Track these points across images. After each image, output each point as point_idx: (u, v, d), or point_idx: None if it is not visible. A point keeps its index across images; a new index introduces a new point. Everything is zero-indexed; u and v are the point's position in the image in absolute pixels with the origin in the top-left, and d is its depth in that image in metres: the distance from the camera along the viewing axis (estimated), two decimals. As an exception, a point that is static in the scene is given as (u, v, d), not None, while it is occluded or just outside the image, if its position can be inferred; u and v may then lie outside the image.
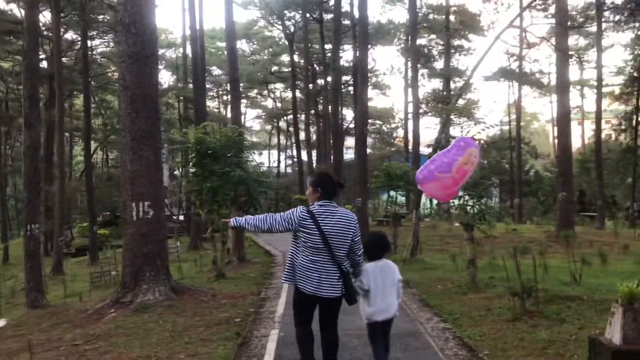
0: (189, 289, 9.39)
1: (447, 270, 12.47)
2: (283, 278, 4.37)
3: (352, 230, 4.18)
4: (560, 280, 8.81)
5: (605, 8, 21.40)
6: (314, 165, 36.31)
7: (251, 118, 53.87)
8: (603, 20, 26.08)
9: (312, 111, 38.94)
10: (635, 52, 31.57)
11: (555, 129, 50.71)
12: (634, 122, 29.77)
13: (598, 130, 27.30)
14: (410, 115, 36.55)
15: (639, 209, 28.28)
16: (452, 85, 37.27)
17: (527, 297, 6.60)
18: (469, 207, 9.21)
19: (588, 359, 4.53)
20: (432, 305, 7.79)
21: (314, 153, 38.72)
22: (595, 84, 30.30)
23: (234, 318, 7.20)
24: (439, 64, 38.79)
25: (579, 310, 6.53)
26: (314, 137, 40.21)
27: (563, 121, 20.18)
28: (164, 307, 7.84)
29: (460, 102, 31.72)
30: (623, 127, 31.43)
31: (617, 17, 22.89)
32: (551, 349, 5.15)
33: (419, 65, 32.27)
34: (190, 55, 25.67)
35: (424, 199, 19.41)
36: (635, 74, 30.89)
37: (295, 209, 4.24)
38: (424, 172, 5.29)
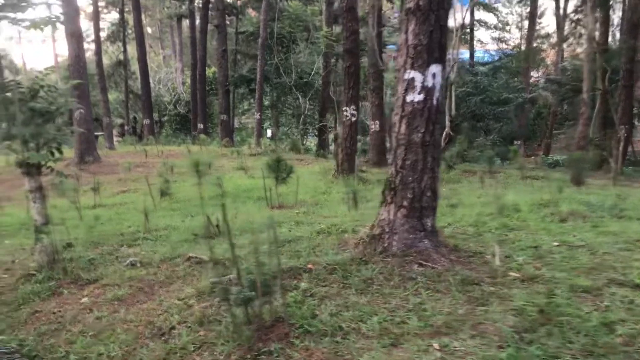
0: None
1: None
2: None
3: None
4: (189, 235, 6.34)
5: None
6: None
7: None
8: None
9: None
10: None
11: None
12: (122, 35, 28.64)
13: (98, 42, 24.59)
14: None
15: (134, 125, 28.02)
16: None
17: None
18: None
19: None
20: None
21: None
22: None
23: None
24: None
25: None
26: None
27: (73, 26, 16.54)
28: None
29: None
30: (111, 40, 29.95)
31: None
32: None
33: None
34: None
35: None
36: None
37: None
38: None
